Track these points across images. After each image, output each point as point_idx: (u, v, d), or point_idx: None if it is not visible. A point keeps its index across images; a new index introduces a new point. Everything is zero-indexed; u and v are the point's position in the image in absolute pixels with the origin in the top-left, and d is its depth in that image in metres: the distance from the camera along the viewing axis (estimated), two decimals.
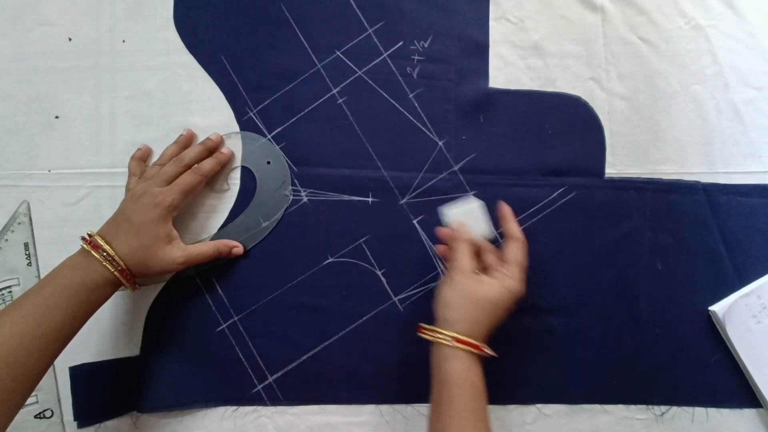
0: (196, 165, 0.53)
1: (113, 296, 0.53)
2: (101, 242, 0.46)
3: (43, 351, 0.42)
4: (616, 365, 0.54)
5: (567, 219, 0.55)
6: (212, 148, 0.55)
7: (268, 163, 0.55)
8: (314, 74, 0.57)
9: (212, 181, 0.55)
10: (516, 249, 0.48)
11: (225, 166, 0.55)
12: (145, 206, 0.48)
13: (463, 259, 0.47)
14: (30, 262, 0.54)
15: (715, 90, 0.57)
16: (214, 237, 0.54)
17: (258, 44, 0.57)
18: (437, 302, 0.47)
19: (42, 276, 0.54)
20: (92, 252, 0.46)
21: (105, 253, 0.46)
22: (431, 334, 0.45)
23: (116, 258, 0.46)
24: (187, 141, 0.55)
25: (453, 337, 0.44)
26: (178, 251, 0.49)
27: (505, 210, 0.50)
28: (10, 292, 0.54)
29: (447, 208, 0.51)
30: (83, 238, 0.47)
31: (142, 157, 0.55)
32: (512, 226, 0.49)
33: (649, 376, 0.54)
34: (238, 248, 0.53)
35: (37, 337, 0.42)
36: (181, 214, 0.54)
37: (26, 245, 0.54)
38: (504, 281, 0.46)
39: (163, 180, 0.50)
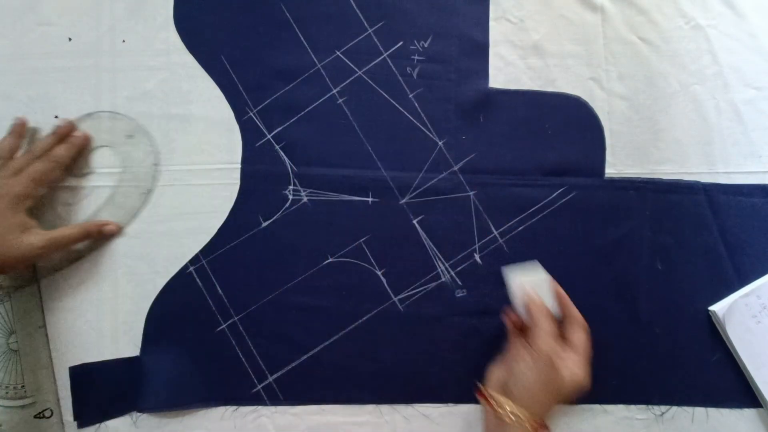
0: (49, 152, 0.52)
1: (113, 296, 0.53)
2: None
3: None
4: (616, 365, 0.54)
5: (567, 219, 0.55)
6: (64, 134, 0.54)
7: (131, 137, 0.55)
8: (314, 74, 0.57)
9: (73, 167, 0.54)
10: (583, 337, 0.47)
11: (82, 149, 0.54)
12: None
13: (546, 338, 0.45)
14: None
15: (715, 90, 0.57)
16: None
17: (258, 44, 0.57)
18: (513, 375, 0.45)
19: (40, 275, 0.54)
20: None
21: None
22: (497, 407, 0.44)
23: None
24: (19, 130, 0.54)
25: (526, 420, 0.43)
26: (36, 237, 0.49)
27: (561, 291, 0.49)
28: (7, 292, 0.53)
29: (513, 272, 0.49)
30: None
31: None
32: (574, 310, 0.48)
33: (649, 376, 0.54)
34: (110, 226, 0.53)
35: None
36: (181, 214, 0.54)
37: None
38: (574, 373, 0.45)
39: (12, 171, 0.50)
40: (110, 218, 0.54)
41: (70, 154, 0.53)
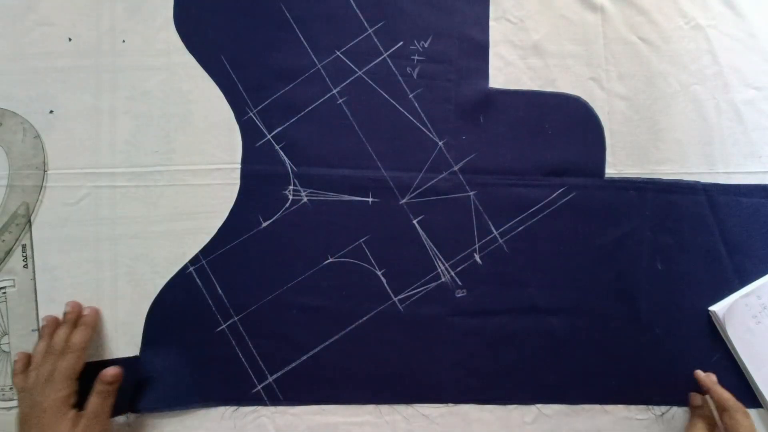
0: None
1: (113, 296, 0.54)
2: None
3: None
4: (616, 365, 0.54)
5: (567, 219, 0.55)
6: (74, 319, 0.52)
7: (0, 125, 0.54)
8: (314, 74, 0.57)
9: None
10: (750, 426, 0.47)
11: (96, 326, 0.52)
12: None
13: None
14: (26, 264, 0.54)
15: (715, 90, 0.57)
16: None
17: (258, 44, 0.57)
18: None
19: (38, 277, 0.54)
20: None
21: None
22: None
23: None
24: (50, 331, 0.51)
25: None
26: (86, 423, 0.47)
27: (703, 378, 0.51)
28: (4, 293, 0.53)
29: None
30: None
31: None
32: (727, 396, 0.49)
33: (649, 376, 0.54)
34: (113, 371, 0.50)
35: None
36: (181, 214, 0.54)
37: (24, 247, 0.54)
38: None
39: (44, 378, 0.48)
40: (16, 202, 0.53)
41: (87, 338, 0.51)
